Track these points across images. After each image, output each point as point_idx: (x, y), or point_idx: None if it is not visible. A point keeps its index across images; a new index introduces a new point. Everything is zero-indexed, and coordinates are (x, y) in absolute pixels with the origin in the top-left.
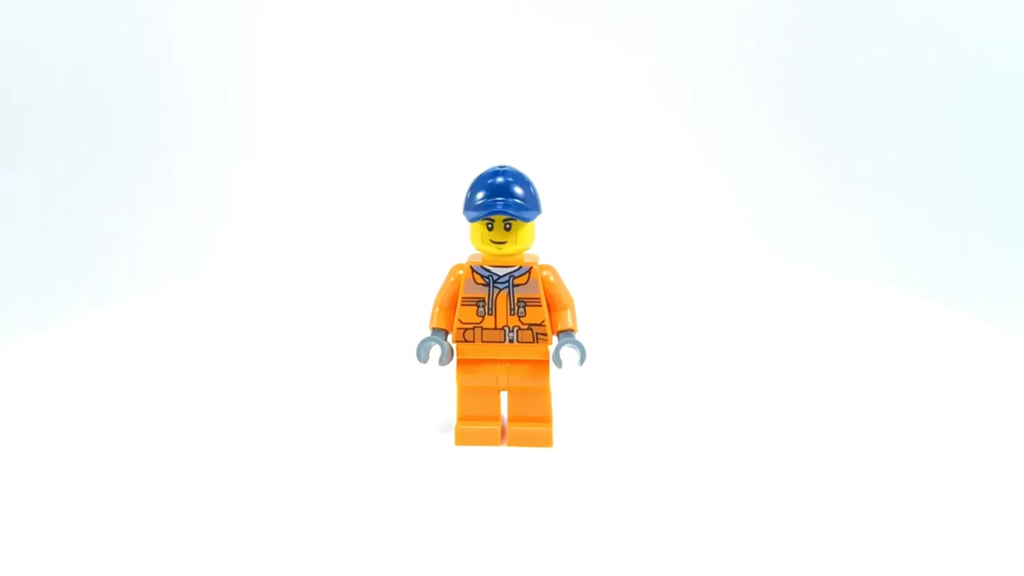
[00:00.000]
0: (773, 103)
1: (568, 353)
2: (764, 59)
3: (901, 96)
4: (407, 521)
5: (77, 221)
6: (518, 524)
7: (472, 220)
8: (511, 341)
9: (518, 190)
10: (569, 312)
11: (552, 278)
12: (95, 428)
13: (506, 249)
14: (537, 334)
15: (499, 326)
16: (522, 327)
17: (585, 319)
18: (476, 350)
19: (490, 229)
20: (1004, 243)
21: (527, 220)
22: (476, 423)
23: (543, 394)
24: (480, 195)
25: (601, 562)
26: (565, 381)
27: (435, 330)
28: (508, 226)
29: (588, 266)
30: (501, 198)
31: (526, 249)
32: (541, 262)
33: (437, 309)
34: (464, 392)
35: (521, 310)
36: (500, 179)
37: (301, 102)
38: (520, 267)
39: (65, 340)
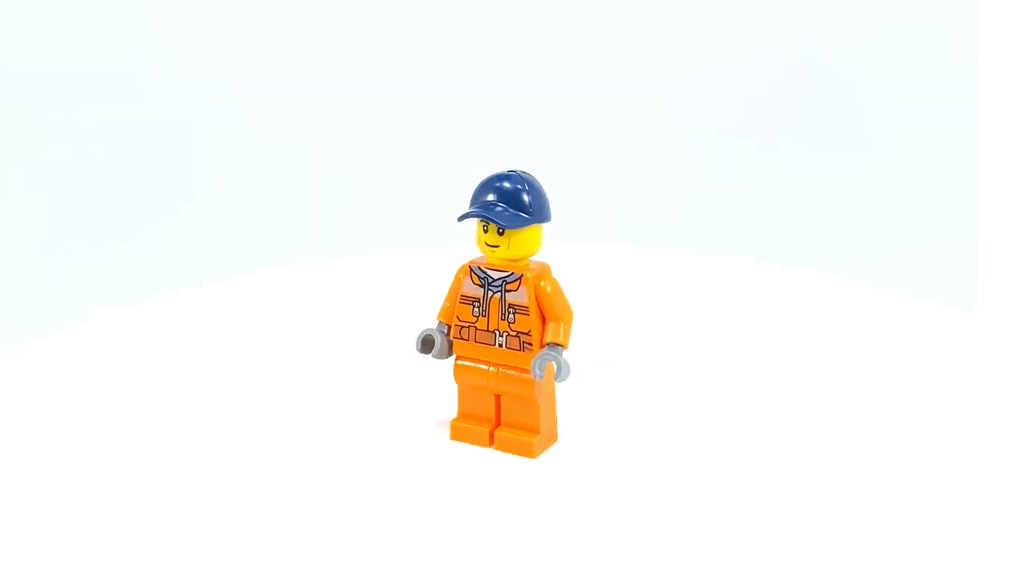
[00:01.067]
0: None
1: (544, 365)
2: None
3: None
4: (386, 510)
5: (75, 222)
6: (493, 525)
7: (459, 219)
8: (500, 346)
9: (515, 197)
10: (561, 326)
11: (549, 288)
12: (92, 424)
13: (499, 253)
14: (524, 342)
15: (491, 329)
16: (511, 333)
17: (590, 325)
18: (469, 349)
19: (485, 231)
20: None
21: (512, 228)
22: (471, 422)
23: (531, 403)
24: (479, 197)
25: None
26: (568, 387)
27: (440, 323)
28: (501, 231)
29: (595, 271)
30: (499, 204)
31: (527, 255)
32: (552, 272)
33: (446, 304)
34: (463, 390)
35: (511, 316)
36: (503, 183)
37: (308, 98)
38: (512, 273)
39: (64, 343)
